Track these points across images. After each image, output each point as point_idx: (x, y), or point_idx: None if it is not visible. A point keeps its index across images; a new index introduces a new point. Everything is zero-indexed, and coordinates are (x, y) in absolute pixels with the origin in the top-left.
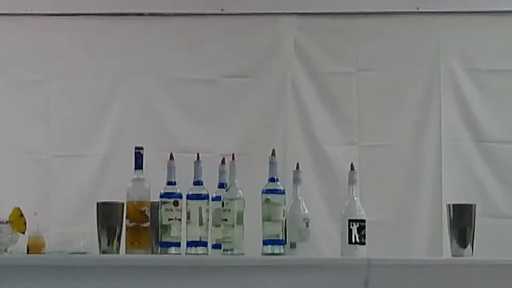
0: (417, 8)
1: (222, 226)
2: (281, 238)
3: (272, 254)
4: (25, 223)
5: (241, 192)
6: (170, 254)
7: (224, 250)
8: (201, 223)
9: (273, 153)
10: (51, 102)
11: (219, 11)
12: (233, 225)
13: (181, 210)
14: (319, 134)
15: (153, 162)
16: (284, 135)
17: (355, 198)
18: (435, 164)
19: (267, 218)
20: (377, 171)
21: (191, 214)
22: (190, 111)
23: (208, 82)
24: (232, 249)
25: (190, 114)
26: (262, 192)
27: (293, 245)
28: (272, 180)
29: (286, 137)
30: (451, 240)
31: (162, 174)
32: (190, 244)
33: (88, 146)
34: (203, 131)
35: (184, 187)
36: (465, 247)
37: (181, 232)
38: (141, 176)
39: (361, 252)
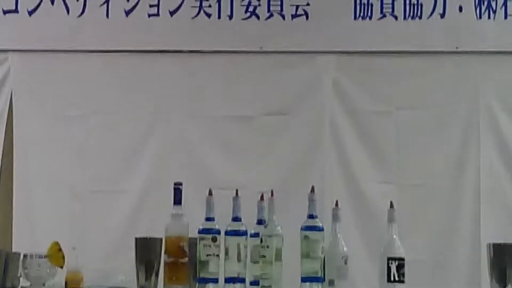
0: (456, 48)
1: (261, 263)
2: (319, 275)
3: None
4: (63, 258)
5: (279, 228)
6: None
7: (262, 287)
8: (239, 260)
9: (312, 190)
10: (89, 138)
11: (258, 49)
12: (271, 262)
13: (219, 246)
14: (357, 172)
15: (190, 198)
16: (322, 172)
17: (394, 236)
18: (474, 203)
19: (305, 255)
20: (415, 210)
21: (229, 250)
22: (227, 148)
23: (246, 119)
24: (270, 286)
25: (228, 151)
26: (301, 229)
27: (331, 283)
28: (311, 216)
29: (324, 175)
30: (491, 280)
31: (198, 210)
32: (228, 280)
33: (126, 181)
34: (240, 168)
35: (220, 224)
36: (505, 287)
37: (219, 268)
38: (180, 212)
39: None
